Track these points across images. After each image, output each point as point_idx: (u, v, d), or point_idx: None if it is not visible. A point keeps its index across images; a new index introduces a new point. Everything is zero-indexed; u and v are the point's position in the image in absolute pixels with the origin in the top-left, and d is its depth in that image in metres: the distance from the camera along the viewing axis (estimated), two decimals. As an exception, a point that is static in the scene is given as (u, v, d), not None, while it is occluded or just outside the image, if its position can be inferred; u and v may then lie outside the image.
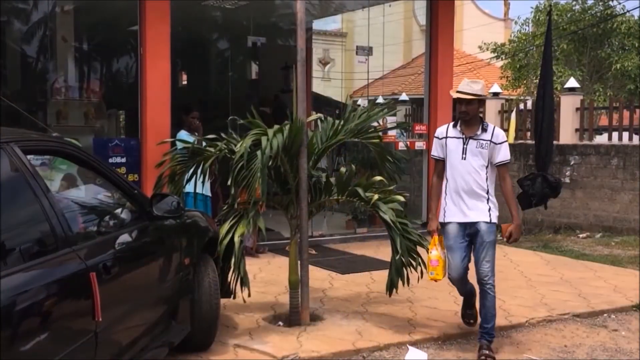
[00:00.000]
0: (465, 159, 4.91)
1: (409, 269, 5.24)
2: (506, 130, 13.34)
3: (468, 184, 4.90)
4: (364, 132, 5.75)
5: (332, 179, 5.62)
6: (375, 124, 6.03)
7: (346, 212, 10.04)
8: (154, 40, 7.68)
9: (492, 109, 13.99)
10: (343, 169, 5.42)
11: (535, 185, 7.36)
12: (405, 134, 10.33)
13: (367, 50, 10.98)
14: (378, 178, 5.55)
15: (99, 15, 10.33)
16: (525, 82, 22.18)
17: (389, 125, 8.58)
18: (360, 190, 5.28)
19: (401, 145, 9.75)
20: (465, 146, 4.93)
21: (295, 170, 5.32)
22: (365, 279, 7.01)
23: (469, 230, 4.91)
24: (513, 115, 13.13)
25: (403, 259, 5.12)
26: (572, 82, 12.89)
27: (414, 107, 14.41)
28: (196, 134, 7.46)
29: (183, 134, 7.35)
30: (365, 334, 5.23)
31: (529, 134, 12.80)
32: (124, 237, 3.79)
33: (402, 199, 5.35)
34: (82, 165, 3.95)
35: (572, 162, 11.48)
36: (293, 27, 11.93)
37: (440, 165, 5.09)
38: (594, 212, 11.14)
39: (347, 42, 20.42)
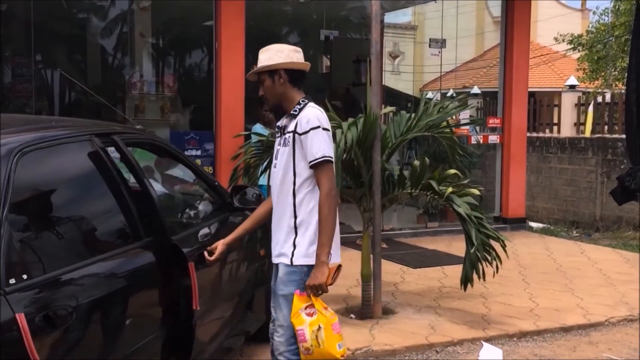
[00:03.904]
0: (275, 165, 3.30)
1: (484, 263, 5.16)
2: (583, 124, 12.98)
3: (275, 203, 3.29)
4: (437, 127, 5.70)
5: (406, 172, 5.60)
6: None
7: (417, 206, 9.97)
8: (229, 36, 7.81)
9: (568, 101, 13.64)
10: (417, 162, 5.39)
11: (637, 180, 7.09)
12: (478, 127, 10.17)
13: (441, 43, 10.85)
14: (452, 171, 5.49)
15: (174, 12, 10.57)
16: (603, 74, 21.45)
17: (461, 119, 8.49)
18: (434, 184, 5.23)
19: (474, 139, 9.62)
20: (278, 146, 3.31)
21: (369, 163, 5.32)
22: (438, 274, 6.95)
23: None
24: (590, 108, 12.75)
25: (478, 253, 5.04)
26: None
27: (487, 100, 14.18)
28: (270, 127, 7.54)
29: (258, 127, 7.45)
30: (438, 328, 5.19)
31: (606, 127, 12.40)
32: (213, 228, 3.92)
33: (477, 192, 5.28)
34: (174, 159, 4.12)
35: (653, 157, 11.03)
36: (364, 21, 11.92)
37: None
38: (677, 209, 10.69)
39: (417, 35, 20.24)
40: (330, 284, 3.07)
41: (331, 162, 3.16)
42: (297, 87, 3.28)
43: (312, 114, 3.17)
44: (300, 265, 3.17)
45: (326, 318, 3.06)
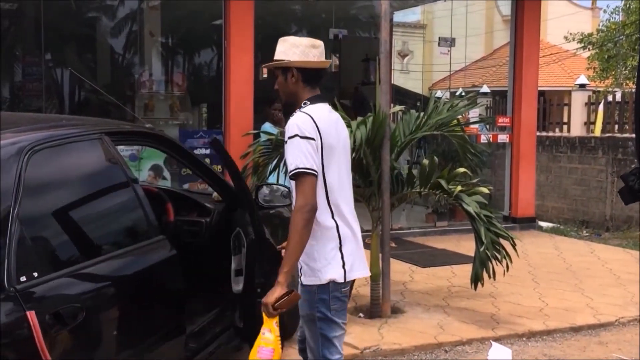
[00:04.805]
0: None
1: (493, 262, 5.15)
2: (593, 123, 12.91)
3: None
4: (446, 125, 5.69)
5: (415, 171, 5.60)
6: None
7: (426, 206, 9.97)
8: (238, 34, 7.81)
9: (578, 100, 13.58)
10: (426, 161, 5.38)
11: None
12: (487, 126, 10.15)
13: (450, 42, 10.83)
14: (461, 170, 5.48)
15: (184, 10, 10.61)
16: (613, 73, 21.35)
17: (470, 118, 8.47)
18: (443, 182, 5.22)
19: (483, 138, 9.59)
20: None
21: (378, 162, 5.31)
22: (446, 273, 6.94)
23: None
24: (601, 107, 12.68)
25: (488, 252, 5.03)
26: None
27: (496, 99, 14.14)
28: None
29: (267, 126, 7.44)
30: (447, 328, 5.19)
31: (616, 126, 12.34)
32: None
33: (486, 191, 5.27)
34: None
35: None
36: (373, 20, 11.90)
37: None
38: (687, 209, 10.62)
39: (426, 33, 20.21)
40: (276, 308, 2.74)
41: (307, 174, 2.81)
42: (310, 86, 3.00)
43: (293, 122, 2.87)
44: (310, 285, 2.96)
45: (257, 340, 2.83)
